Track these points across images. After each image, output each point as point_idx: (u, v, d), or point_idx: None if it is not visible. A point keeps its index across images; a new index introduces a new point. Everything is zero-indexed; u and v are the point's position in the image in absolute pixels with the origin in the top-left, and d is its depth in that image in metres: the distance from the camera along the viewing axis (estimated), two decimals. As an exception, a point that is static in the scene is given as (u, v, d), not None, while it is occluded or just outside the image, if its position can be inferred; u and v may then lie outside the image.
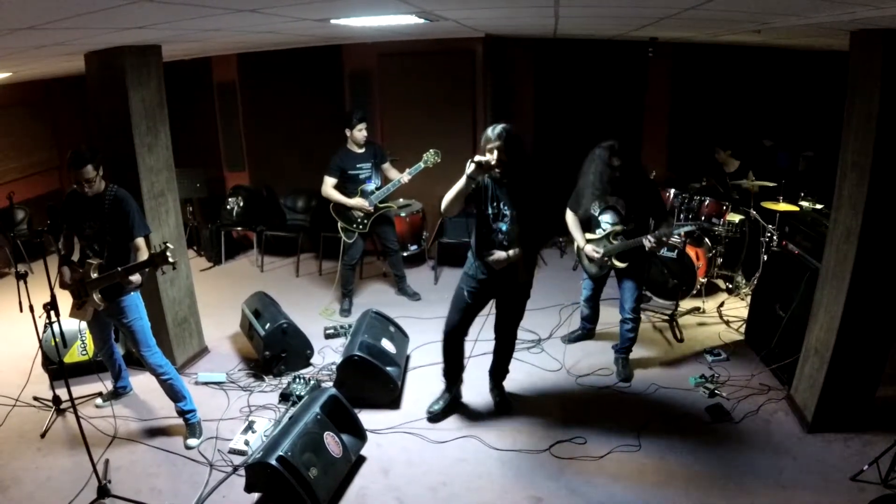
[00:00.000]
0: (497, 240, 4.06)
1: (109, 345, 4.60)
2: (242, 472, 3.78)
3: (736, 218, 6.46)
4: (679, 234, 4.58)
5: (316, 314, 6.35)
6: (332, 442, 3.77)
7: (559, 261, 7.61)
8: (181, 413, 4.32)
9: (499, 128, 3.84)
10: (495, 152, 3.83)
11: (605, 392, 4.86)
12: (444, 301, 4.42)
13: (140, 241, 4.10)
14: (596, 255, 4.78)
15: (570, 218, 4.94)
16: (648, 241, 4.51)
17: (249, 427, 4.32)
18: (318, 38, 5.95)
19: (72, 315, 4.19)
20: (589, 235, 4.87)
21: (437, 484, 3.86)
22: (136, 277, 3.97)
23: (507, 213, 3.99)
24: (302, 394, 4.61)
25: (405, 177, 5.89)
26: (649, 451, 4.11)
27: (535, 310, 6.02)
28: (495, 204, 4.00)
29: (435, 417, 4.51)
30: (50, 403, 4.58)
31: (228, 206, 7.94)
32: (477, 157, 3.77)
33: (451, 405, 4.60)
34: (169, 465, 4.07)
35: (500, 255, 4.02)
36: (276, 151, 8.31)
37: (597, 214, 4.82)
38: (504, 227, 4.02)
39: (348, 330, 5.60)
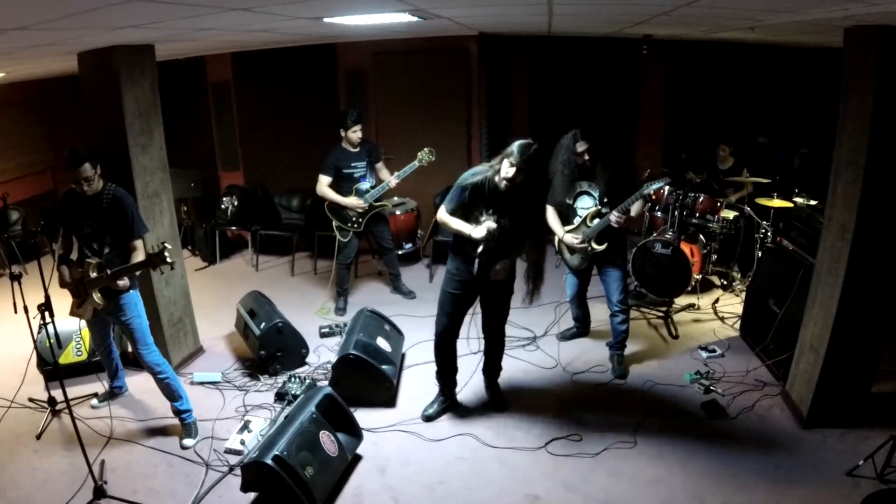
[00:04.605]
0: (485, 246, 4.04)
1: (108, 343, 4.60)
2: (238, 471, 3.78)
3: (731, 214, 6.47)
4: (648, 193, 4.56)
5: (311, 313, 6.34)
6: (328, 441, 3.77)
7: (552, 258, 7.60)
8: (177, 413, 4.32)
9: (529, 150, 3.77)
10: (512, 171, 3.79)
11: (601, 389, 4.87)
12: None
13: (138, 242, 4.10)
14: (576, 242, 4.78)
15: (549, 212, 4.94)
16: (614, 216, 4.53)
17: (245, 426, 4.31)
18: (312, 36, 5.95)
19: (72, 314, 4.20)
20: (568, 227, 4.88)
21: (434, 482, 3.86)
22: (123, 282, 3.96)
23: (504, 222, 3.95)
24: (297, 393, 4.61)
25: (393, 181, 5.90)
26: (645, 447, 4.12)
27: (529, 307, 6.01)
28: (491, 211, 3.96)
29: (429, 419, 4.51)
30: (45, 405, 4.57)
31: (223, 206, 7.91)
32: (489, 226, 3.81)
33: (446, 407, 4.60)
34: (165, 465, 4.07)
35: (500, 266, 4.01)
36: (270, 150, 8.28)
37: (572, 203, 4.84)
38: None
39: (343, 329, 5.60)
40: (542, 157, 3.88)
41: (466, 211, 4.05)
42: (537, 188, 3.98)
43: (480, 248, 3.91)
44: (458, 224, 4.00)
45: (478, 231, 3.87)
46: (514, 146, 3.81)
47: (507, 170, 3.81)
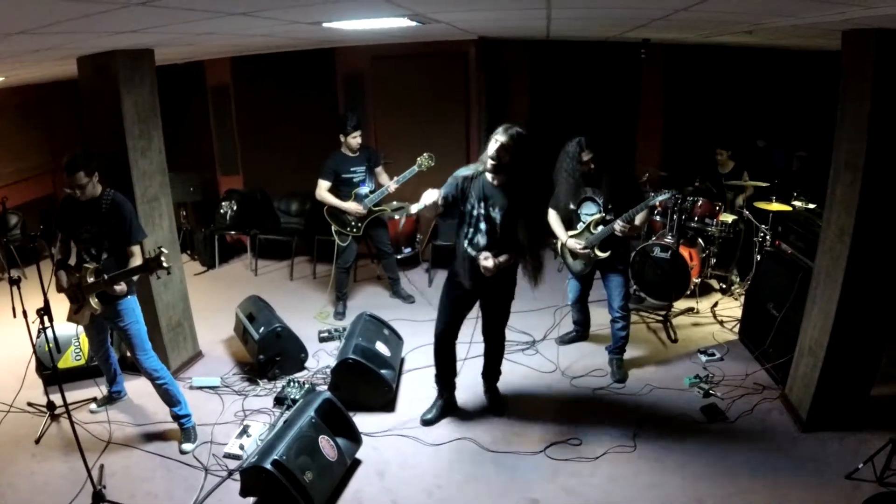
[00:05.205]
0: (476, 241, 4.02)
1: (106, 348, 4.60)
2: (237, 476, 3.77)
3: (729, 218, 6.48)
4: (653, 204, 4.56)
5: (310, 317, 6.34)
6: (327, 445, 3.76)
7: (553, 262, 7.60)
8: (176, 418, 4.31)
9: (514, 131, 3.81)
10: (496, 146, 3.82)
11: (600, 393, 4.86)
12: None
13: (136, 247, 4.10)
14: (578, 248, 4.77)
15: (552, 216, 4.94)
16: (618, 225, 4.53)
17: (244, 431, 4.31)
18: (311, 41, 5.95)
19: (69, 319, 4.19)
20: (571, 232, 4.88)
21: (433, 486, 3.86)
22: (120, 287, 3.95)
23: (495, 215, 3.96)
24: (296, 397, 4.59)
25: (392, 185, 5.91)
26: (644, 451, 4.12)
27: (529, 311, 6.04)
28: (482, 204, 3.97)
29: (429, 425, 4.50)
30: (44, 409, 4.56)
31: (222, 210, 7.92)
32: (427, 199, 3.83)
33: (445, 411, 4.59)
34: (164, 469, 4.06)
35: (491, 261, 3.94)
36: (269, 155, 8.30)
37: (576, 208, 4.84)
38: (485, 228, 3.99)
39: (342, 333, 5.58)
40: (529, 147, 3.86)
41: (460, 204, 4.05)
42: (530, 181, 3.95)
43: (416, 209, 3.89)
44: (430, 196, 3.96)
45: (426, 195, 3.86)
46: (500, 127, 3.87)
47: (492, 147, 3.84)
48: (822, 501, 3.58)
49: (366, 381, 4.59)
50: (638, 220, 4.61)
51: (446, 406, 4.59)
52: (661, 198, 4.66)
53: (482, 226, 3.99)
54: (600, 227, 4.70)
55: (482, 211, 3.97)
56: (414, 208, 3.91)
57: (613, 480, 3.85)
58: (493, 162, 3.85)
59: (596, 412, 4.61)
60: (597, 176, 4.68)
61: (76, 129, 8.60)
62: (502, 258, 3.96)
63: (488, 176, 3.95)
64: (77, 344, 5.06)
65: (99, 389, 4.82)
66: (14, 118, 8.19)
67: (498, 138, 3.82)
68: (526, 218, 3.93)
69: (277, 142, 8.17)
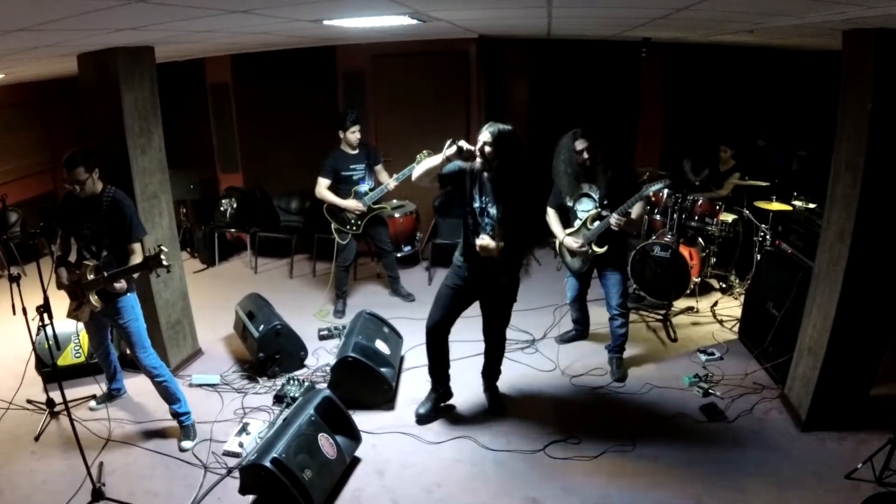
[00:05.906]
0: (480, 234, 4.02)
1: (106, 345, 4.60)
2: (237, 474, 3.77)
3: (729, 217, 6.48)
4: (648, 195, 4.54)
5: (310, 315, 6.34)
6: (326, 443, 3.76)
7: (553, 260, 7.61)
8: (175, 415, 4.31)
9: (495, 128, 3.81)
10: (479, 144, 3.83)
11: (600, 392, 4.86)
12: (438, 302, 4.41)
13: (136, 245, 4.09)
14: (576, 246, 4.77)
15: (551, 214, 4.96)
16: (614, 219, 4.52)
17: (244, 429, 4.31)
18: (311, 38, 5.95)
19: (69, 316, 4.19)
20: (569, 230, 4.88)
21: (432, 485, 3.86)
22: (120, 284, 3.95)
23: (492, 209, 3.96)
24: (296, 395, 4.60)
25: (392, 183, 5.91)
26: (644, 450, 4.12)
27: (528, 310, 6.03)
28: (483, 198, 3.99)
29: (422, 419, 4.50)
30: (44, 406, 4.56)
31: (222, 208, 7.91)
32: (462, 143, 3.78)
33: (440, 406, 4.59)
34: (163, 467, 4.06)
35: (488, 240, 3.94)
36: (269, 153, 8.29)
37: (572, 205, 4.83)
38: (487, 222, 3.99)
39: (342, 331, 5.59)
40: (514, 144, 3.85)
41: (459, 198, 4.07)
42: (518, 177, 3.93)
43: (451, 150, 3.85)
44: (435, 159, 3.94)
45: (452, 147, 3.80)
46: (484, 127, 3.87)
47: (477, 147, 3.84)
48: (821, 501, 3.59)
49: (365, 380, 4.59)
50: (634, 212, 4.59)
51: (440, 399, 4.59)
52: (654, 188, 4.61)
53: (482, 220, 4.02)
54: (597, 223, 4.70)
55: (482, 205, 4.00)
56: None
57: (612, 480, 3.85)
58: (479, 160, 3.86)
59: (595, 411, 4.61)
60: (593, 170, 4.67)
61: (76, 127, 8.60)
62: (501, 243, 3.93)
63: (485, 172, 3.96)
64: (77, 341, 5.06)
65: (98, 387, 4.81)
66: (13, 116, 8.17)
67: (480, 138, 3.84)
68: (516, 214, 3.93)
69: (277, 140, 8.16)
